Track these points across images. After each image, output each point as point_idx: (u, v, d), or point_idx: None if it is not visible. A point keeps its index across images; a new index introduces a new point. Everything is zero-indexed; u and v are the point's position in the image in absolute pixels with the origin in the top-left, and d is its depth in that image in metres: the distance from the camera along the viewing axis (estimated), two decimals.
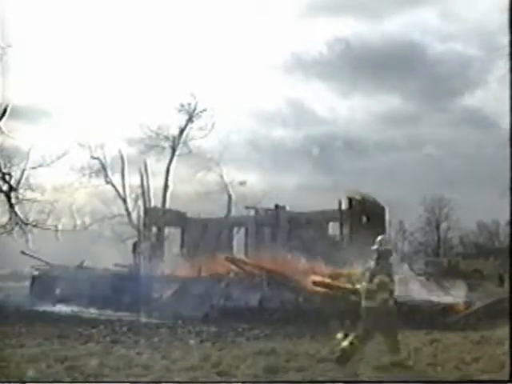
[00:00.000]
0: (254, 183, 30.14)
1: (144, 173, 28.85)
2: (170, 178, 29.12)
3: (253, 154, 35.18)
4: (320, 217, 28.99)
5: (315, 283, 15.91)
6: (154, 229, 30.05)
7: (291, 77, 39.56)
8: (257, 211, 29.98)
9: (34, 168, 21.18)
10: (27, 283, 21.47)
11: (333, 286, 15.99)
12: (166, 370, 8.31)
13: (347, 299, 15.19)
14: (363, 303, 8.57)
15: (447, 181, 30.56)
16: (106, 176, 28.61)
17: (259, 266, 17.40)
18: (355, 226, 28.01)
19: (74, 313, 17.02)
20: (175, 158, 29.27)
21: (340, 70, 38.00)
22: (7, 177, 19.74)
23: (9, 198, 19.76)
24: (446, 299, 15.52)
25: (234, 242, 30.27)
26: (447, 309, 14.65)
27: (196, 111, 29.09)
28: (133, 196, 28.85)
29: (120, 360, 8.92)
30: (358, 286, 9.93)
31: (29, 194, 20.61)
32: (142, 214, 28.98)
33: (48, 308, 17.79)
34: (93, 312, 16.89)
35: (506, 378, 7.64)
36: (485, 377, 7.85)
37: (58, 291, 19.75)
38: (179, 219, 30.53)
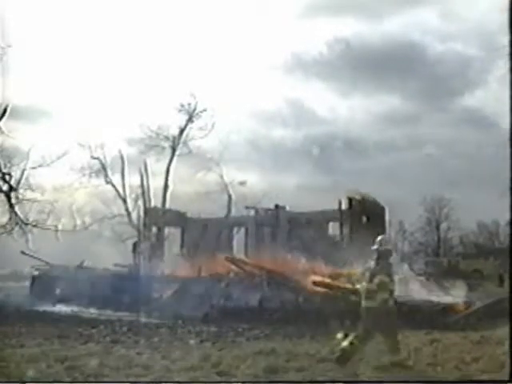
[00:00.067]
0: (254, 183, 30.19)
1: (144, 173, 28.89)
2: (170, 178, 29.17)
3: (253, 154, 35.24)
4: (320, 217, 28.99)
5: (315, 283, 15.91)
6: (154, 229, 30.06)
7: (291, 77, 39.62)
8: (257, 211, 29.98)
9: (33, 168, 21.17)
10: (27, 283, 21.45)
11: (333, 286, 15.99)
12: (166, 369, 8.31)
13: (347, 299, 15.19)
14: (363, 303, 8.58)
15: (447, 181, 30.59)
16: (106, 176, 28.65)
17: (259, 266, 17.40)
18: (355, 226, 28.01)
19: (73, 313, 17.02)
20: (175, 158, 29.32)
21: (340, 70, 38.05)
22: (7, 177, 19.73)
23: (9, 198, 19.75)
24: (446, 299, 15.53)
25: (234, 242, 30.28)
26: (447, 309, 14.65)
27: (196, 111, 29.15)
28: (133, 196, 28.90)
29: (120, 360, 8.92)
30: (358, 286, 9.92)
31: (29, 194, 20.61)
32: (142, 214, 29.00)
33: (48, 308, 17.79)
34: (93, 312, 16.89)
35: (506, 377, 7.65)
36: (485, 377, 7.85)
37: (57, 291, 19.75)
38: (179, 219, 30.53)
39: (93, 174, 28.43)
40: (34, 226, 20.69)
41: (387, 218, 30.48)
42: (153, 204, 29.16)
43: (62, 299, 19.01)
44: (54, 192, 24.44)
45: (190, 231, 30.51)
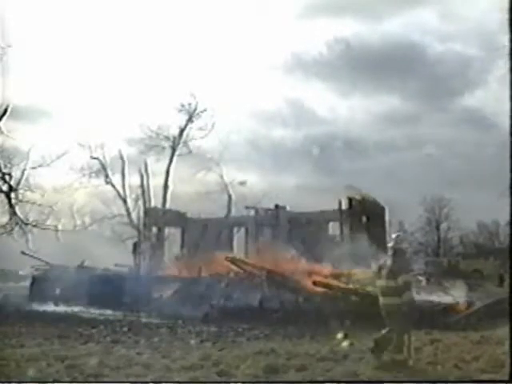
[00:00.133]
0: (254, 183, 30.11)
1: (144, 173, 28.87)
2: (170, 178, 29.14)
3: (253, 154, 35.08)
4: (320, 217, 29.01)
5: (315, 283, 15.92)
6: (154, 229, 30.05)
7: (291, 77, 39.39)
8: (257, 211, 29.98)
9: (33, 168, 21.23)
10: (27, 283, 21.45)
11: (333, 286, 16.01)
12: (167, 369, 8.31)
13: (347, 299, 15.23)
14: (381, 300, 8.58)
15: (447, 181, 30.50)
16: (106, 176, 28.60)
17: (259, 266, 17.40)
18: (355, 226, 28.03)
19: (74, 313, 17.01)
20: (175, 158, 29.28)
21: (340, 70, 37.92)
22: (7, 177, 19.76)
23: (9, 199, 19.78)
24: (447, 299, 15.54)
25: (234, 242, 30.29)
26: (448, 309, 14.67)
27: (196, 111, 29.12)
28: (133, 196, 28.86)
29: (120, 360, 8.92)
30: (372, 286, 9.93)
31: (29, 195, 20.64)
32: (142, 214, 28.97)
33: (48, 308, 17.80)
34: (93, 312, 16.88)
35: (506, 377, 7.65)
36: (485, 377, 7.85)
37: (57, 291, 19.75)
38: (179, 219, 30.53)
39: (93, 174, 28.40)
40: (34, 226, 20.75)
41: (387, 218, 30.51)
42: (153, 204, 29.15)
43: (61, 299, 19.01)
44: (53, 192, 24.46)
45: (190, 231, 30.50)
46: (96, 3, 30.12)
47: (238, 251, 26.50)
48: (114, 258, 24.11)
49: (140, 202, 28.84)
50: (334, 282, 16.50)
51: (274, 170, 33.46)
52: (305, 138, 35.44)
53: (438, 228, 38.25)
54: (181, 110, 29.06)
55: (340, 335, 11.20)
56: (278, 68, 48.85)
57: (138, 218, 28.86)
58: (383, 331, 8.54)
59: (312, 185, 31.33)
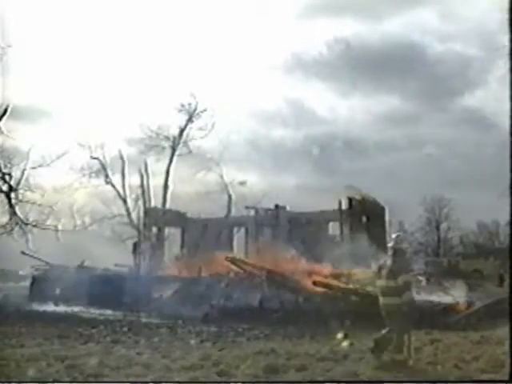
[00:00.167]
0: (254, 183, 30.11)
1: (144, 173, 28.87)
2: (170, 178, 29.15)
3: (253, 154, 35.06)
4: (320, 217, 29.01)
5: (315, 283, 15.92)
6: (154, 229, 30.05)
7: (291, 77, 39.39)
8: (257, 211, 29.98)
9: (33, 168, 21.23)
10: (27, 283, 21.45)
11: (333, 286, 16.01)
12: (166, 369, 8.31)
13: (347, 299, 15.23)
14: (381, 300, 8.58)
15: (447, 181, 30.49)
16: (106, 176, 28.60)
17: (259, 266, 17.40)
18: (355, 226, 28.03)
19: (74, 313, 17.01)
20: (175, 158, 29.28)
21: (340, 70, 37.90)
22: (7, 177, 19.77)
23: (9, 199, 19.78)
24: (447, 299, 15.54)
25: (234, 242, 30.29)
26: (448, 309, 14.67)
27: (196, 111, 29.12)
28: (133, 196, 28.86)
29: (120, 360, 8.92)
30: (372, 286, 9.94)
31: (29, 195, 20.64)
32: (142, 214, 28.97)
33: (48, 308, 17.80)
34: (93, 312, 16.88)
35: (506, 377, 7.65)
36: (485, 377, 7.85)
37: (57, 291, 19.75)
38: (179, 219, 30.53)
39: (93, 174, 28.40)
40: (34, 226, 20.75)
41: (387, 218, 30.51)
42: (153, 204, 29.15)
43: (61, 299, 19.00)
44: (53, 192, 24.46)
45: (190, 231, 30.51)
46: (96, 3, 30.15)
47: (238, 251, 26.51)
48: (114, 258, 24.13)
49: (140, 202, 28.87)
50: (334, 282, 16.50)
51: (274, 170, 33.47)
52: (305, 138, 35.45)
53: (438, 228, 38.25)
54: (181, 110, 29.10)
55: (340, 335, 11.21)
56: (278, 68, 48.87)
57: (138, 218, 28.87)
58: (383, 331, 8.55)
59: (312, 185, 31.34)
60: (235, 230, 30.60)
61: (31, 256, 21.84)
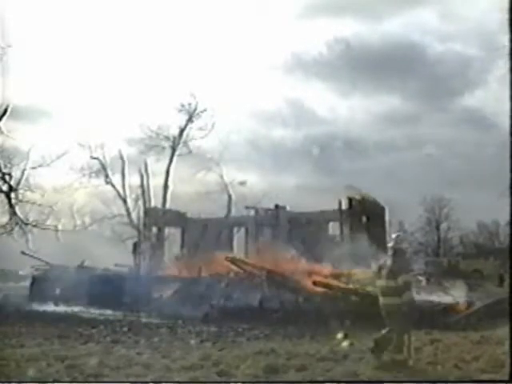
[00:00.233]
0: (254, 183, 30.11)
1: (144, 173, 28.88)
2: (170, 178, 29.15)
3: (253, 154, 35.06)
4: (320, 217, 29.01)
5: (315, 283, 15.92)
6: (154, 229, 30.05)
7: (291, 77, 39.40)
8: (257, 211, 29.99)
9: (33, 168, 21.24)
10: (27, 283, 21.46)
11: (333, 286, 16.01)
12: (166, 369, 8.31)
13: (347, 299, 15.23)
14: (381, 300, 8.58)
15: (447, 181, 30.50)
16: (106, 176, 28.61)
17: (259, 266, 17.40)
18: (355, 226, 28.03)
19: (74, 313, 17.01)
20: (175, 158, 29.29)
21: (340, 70, 37.90)
22: (7, 177, 19.78)
23: (9, 199, 19.79)
24: (447, 299, 15.54)
25: (234, 242, 30.29)
26: (448, 309, 14.67)
27: (196, 111, 29.13)
28: (133, 196, 28.86)
29: (120, 360, 8.92)
30: (372, 286, 9.95)
31: (29, 195, 20.64)
32: (142, 214, 28.98)
33: (48, 308, 17.80)
34: (93, 312, 16.88)
35: (506, 377, 7.65)
36: (485, 377, 7.85)
37: (57, 291, 19.75)
38: (179, 219, 30.54)
39: (93, 174, 28.40)
40: (34, 226, 20.76)
41: (387, 218, 30.52)
42: (153, 204, 29.15)
43: (62, 299, 19.00)
44: (53, 192, 24.46)
45: (190, 231, 30.51)
46: (96, 3, 30.15)
47: (238, 251, 26.51)
48: (114, 258, 24.13)
49: (140, 202, 28.87)
50: (334, 282, 16.50)
51: (274, 170, 33.47)
52: (305, 138, 35.44)
53: (438, 228, 38.26)
54: (181, 110, 29.10)
55: (340, 335, 11.21)
56: (278, 68, 48.86)
57: (138, 218, 28.87)
58: (383, 331, 8.55)
59: (312, 185, 31.34)
60: (235, 230, 30.60)
61: (31, 256, 21.84)
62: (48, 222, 21.84)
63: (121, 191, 28.71)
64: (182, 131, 29.27)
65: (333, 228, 29.50)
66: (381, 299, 8.60)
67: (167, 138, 29.19)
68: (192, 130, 29.33)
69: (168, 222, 30.25)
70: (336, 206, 28.45)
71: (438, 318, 13.62)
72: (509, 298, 10.93)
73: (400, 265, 8.58)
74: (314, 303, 15.27)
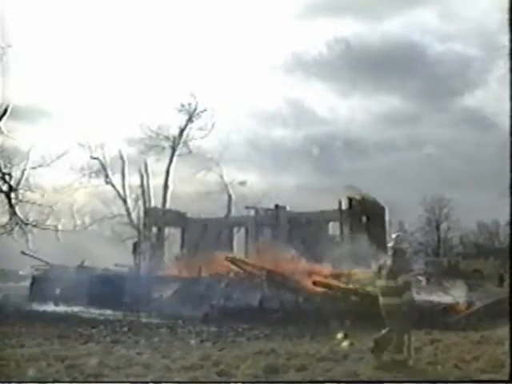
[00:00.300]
0: (254, 183, 30.12)
1: (144, 173, 28.88)
2: (170, 178, 29.16)
3: (253, 154, 35.07)
4: (320, 217, 29.02)
5: (315, 283, 15.92)
6: (154, 229, 30.06)
7: (291, 77, 39.41)
8: (257, 211, 29.99)
9: (33, 168, 21.24)
10: (27, 283, 21.45)
11: (333, 286, 16.00)
12: (167, 369, 8.31)
13: (347, 299, 15.23)
14: (381, 300, 8.58)
15: (447, 181, 30.51)
16: (106, 176, 28.61)
17: (259, 266, 17.40)
18: (355, 226, 28.03)
19: (74, 313, 17.01)
20: (175, 158, 29.30)
21: (340, 70, 37.91)
22: (7, 177, 19.78)
23: (9, 199, 19.79)
24: (447, 299, 15.54)
25: (234, 242, 30.30)
26: (448, 309, 14.67)
27: (196, 111, 29.13)
28: (133, 196, 28.87)
29: (120, 360, 8.92)
30: (372, 286, 9.95)
31: (29, 195, 20.64)
32: (142, 214, 28.98)
33: (48, 308, 17.80)
34: (93, 312, 16.88)
35: (506, 377, 7.65)
36: (485, 377, 7.85)
37: (58, 291, 19.75)
38: (179, 219, 30.54)
39: (93, 174, 28.41)
40: (34, 226, 20.76)
41: (387, 218, 30.52)
42: (153, 204, 29.16)
43: (62, 299, 19.00)
44: (53, 192, 24.46)
45: (190, 231, 30.51)
46: (96, 3, 30.15)
47: (238, 251, 26.51)
48: (114, 258, 24.14)
49: (140, 202, 28.88)
50: (334, 282, 16.50)
51: (274, 170, 33.47)
52: (305, 138, 35.45)
53: (438, 228, 38.26)
54: (181, 110, 29.10)
55: (340, 335, 11.21)
56: (278, 68, 48.87)
57: (138, 218, 28.87)
58: (383, 331, 8.55)
59: (312, 185, 31.34)
60: (235, 230, 30.60)
61: (31, 256, 21.84)
62: (48, 222, 21.87)
63: (121, 191, 28.74)
64: (181, 131, 29.29)
65: (333, 228, 29.53)
66: (381, 299, 8.61)
67: (167, 138, 29.22)
68: (192, 130, 29.38)
69: (168, 222, 30.25)
70: (336, 206, 28.46)
71: (437, 317, 13.62)
72: (509, 297, 10.93)
73: (400, 265, 8.58)
74: (313, 303, 15.27)
